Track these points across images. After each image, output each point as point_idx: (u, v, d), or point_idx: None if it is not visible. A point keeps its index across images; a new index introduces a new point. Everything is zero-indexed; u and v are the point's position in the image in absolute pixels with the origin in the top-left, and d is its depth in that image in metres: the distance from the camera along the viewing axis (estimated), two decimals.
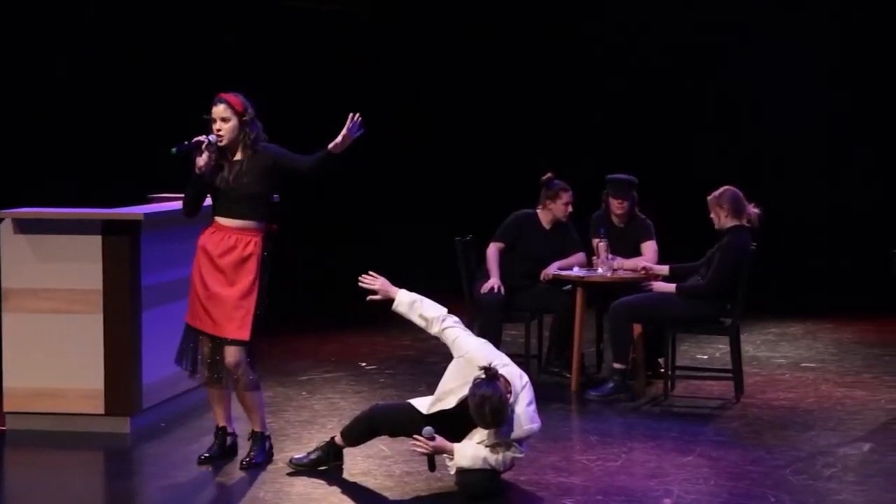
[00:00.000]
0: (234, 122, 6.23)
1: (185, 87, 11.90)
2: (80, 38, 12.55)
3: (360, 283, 6.26)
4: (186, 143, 6.19)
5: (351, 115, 6.17)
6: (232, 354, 6.24)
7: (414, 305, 6.17)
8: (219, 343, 6.29)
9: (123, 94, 12.63)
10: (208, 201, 6.42)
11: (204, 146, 6.19)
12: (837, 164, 13.14)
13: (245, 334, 6.22)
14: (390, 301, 6.22)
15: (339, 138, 6.15)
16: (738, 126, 13.30)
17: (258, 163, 6.26)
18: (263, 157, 6.27)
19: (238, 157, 6.29)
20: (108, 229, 6.92)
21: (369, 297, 6.27)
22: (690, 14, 13.23)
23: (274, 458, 6.47)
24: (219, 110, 6.24)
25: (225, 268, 6.24)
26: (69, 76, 12.55)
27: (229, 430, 6.56)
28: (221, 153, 6.28)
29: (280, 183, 6.40)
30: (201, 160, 6.20)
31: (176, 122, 7.68)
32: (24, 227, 6.97)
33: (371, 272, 6.29)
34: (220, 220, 6.31)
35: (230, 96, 6.27)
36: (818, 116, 13.06)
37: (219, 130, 6.22)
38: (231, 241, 6.25)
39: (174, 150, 6.16)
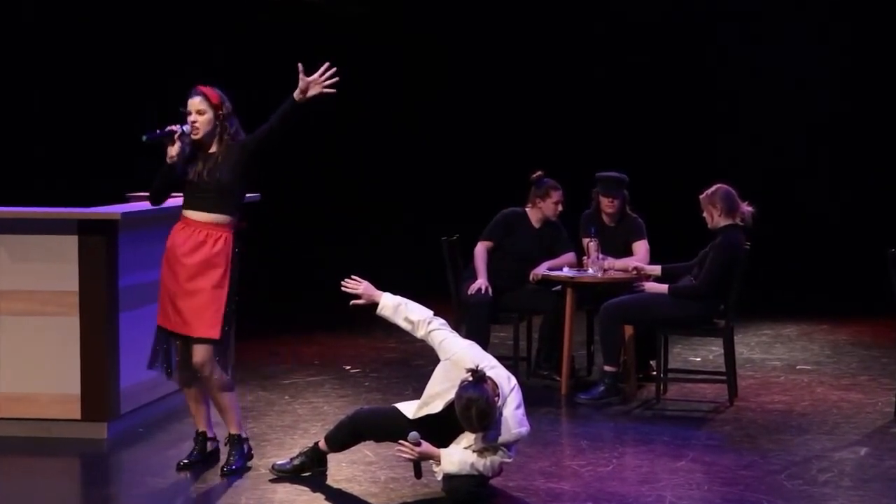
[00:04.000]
0: (209, 115, 6.13)
1: (165, 86, 11.76)
2: (58, 36, 12.43)
3: (342, 288, 6.13)
4: (158, 131, 6.11)
5: (325, 66, 6.04)
6: (199, 353, 6.13)
7: (399, 309, 6.08)
8: (187, 342, 6.17)
9: (101, 93, 12.51)
10: (179, 200, 6.29)
11: (177, 136, 6.10)
12: (835, 162, 13.05)
13: (216, 332, 6.12)
14: (374, 305, 6.13)
15: (301, 84, 6.00)
16: (733, 123, 13.21)
17: (230, 156, 6.16)
18: (234, 149, 6.17)
19: (213, 150, 6.19)
20: (84, 229, 6.79)
21: (353, 302, 6.18)
22: (682, 9, 13.14)
23: (256, 463, 6.36)
24: (194, 102, 6.15)
25: (194, 264, 6.13)
26: (45, 71, 12.43)
27: (209, 434, 6.45)
28: (196, 146, 6.18)
29: (254, 177, 6.28)
30: (173, 150, 6.12)
31: (155, 121, 7.56)
32: None
33: (353, 276, 6.17)
34: (190, 213, 6.20)
35: (207, 89, 6.18)
36: (815, 115, 12.97)
37: (194, 122, 6.13)
38: (200, 237, 6.15)
39: (144, 137, 6.10)
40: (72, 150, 12.43)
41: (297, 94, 6.05)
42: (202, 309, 6.11)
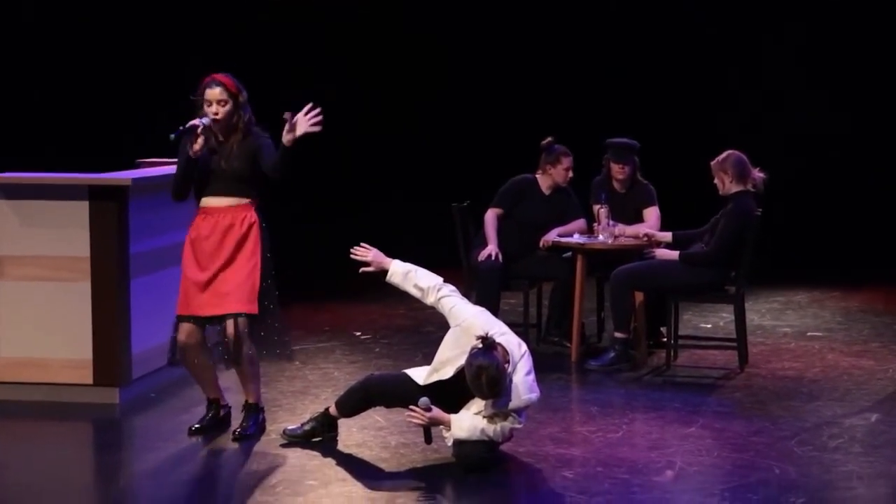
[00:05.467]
0: (230, 105, 6.15)
1: (172, 52, 11.76)
2: (74, 4, 12.40)
3: (352, 256, 6.13)
4: (182, 127, 6.08)
5: (309, 105, 6.00)
6: (239, 327, 6.13)
7: (408, 276, 6.08)
8: (222, 320, 6.16)
9: (112, 59, 12.49)
10: None
11: (199, 130, 6.07)
12: (847, 127, 12.97)
13: (254, 307, 6.14)
14: (384, 272, 6.12)
15: (287, 126, 5.97)
16: (744, 89, 13.12)
17: (248, 147, 6.17)
18: (252, 142, 6.18)
19: (229, 138, 6.19)
20: (95, 195, 6.79)
21: (362, 269, 6.17)
22: None
23: (267, 429, 6.38)
24: (215, 93, 6.13)
25: (228, 249, 6.14)
26: (56, 39, 12.41)
27: (222, 402, 6.47)
28: (213, 135, 6.17)
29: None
30: (197, 144, 6.11)
31: (164, 87, 7.56)
32: (8, 192, 6.84)
33: (363, 244, 6.16)
34: (211, 201, 6.21)
35: (224, 78, 6.17)
36: (829, 79, 12.88)
37: (216, 114, 6.12)
38: (226, 222, 6.17)
39: (172, 136, 6.06)
40: (84, 116, 12.41)
41: (285, 138, 5.99)
42: (241, 286, 6.12)
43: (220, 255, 6.14)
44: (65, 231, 6.79)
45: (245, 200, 6.20)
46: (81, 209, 6.77)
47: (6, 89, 12.16)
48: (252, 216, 6.19)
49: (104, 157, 8.93)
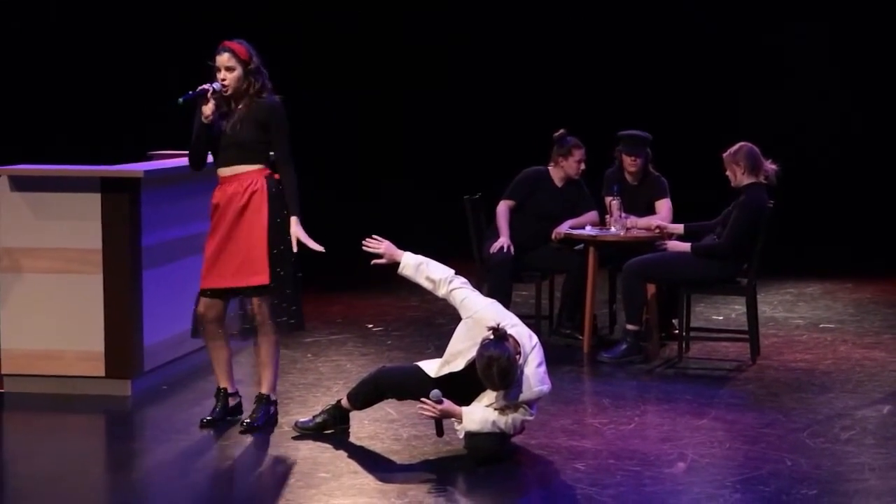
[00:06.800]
0: (238, 71, 6.12)
1: (187, 41, 11.69)
2: None
3: (363, 248, 6.13)
4: (192, 92, 6.09)
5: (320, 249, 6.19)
6: (255, 302, 6.14)
7: (420, 268, 6.07)
8: (243, 293, 6.18)
9: (123, 49, 12.49)
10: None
11: (209, 94, 6.08)
12: (859, 119, 12.92)
13: (265, 278, 6.11)
14: (396, 264, 6.12)
15: (294, 238, 6.17)
16: (756, 79, 13.08)
17: (255, 112, 6.15)
18: (262, 108, 6.15)
19: (240, 105, 6.18)
20: (107, 187, 6.80)
21: (374, 261, 6.17)
22: None
23: (279, 421, 6.38)
24: (223, 59, 6.12)
25: (233, 216, 6.14)
26: (67, 30, 12.42)
27: (231, 390, 6.45)
28: (225, 102, 6.16)
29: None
30: (208, 108, 6.11)
31: (176, 76, 7.56)
32: (20, 184, 6.85)
33: (375, 236, 6.16)
34: (222, 170, 6.22)
35: (235, 45, 6.15)
36: (840, 68, 12.83)
37: (223, 80, 6.10)
38: (232, 188, 6.16)
39: (180, 100, 6.07)
40: (95, 107, 12.43)
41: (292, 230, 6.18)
42: (249, 257, 6.11)
43: (222, 225, 6.15)
44: (77, 223, 6.80)
45: (253, 167, 6.16)
46: (93, 201, 6.78)
47: (17, 79, 12.17)
48: (257, 183, 6.13)
49: (115, 148, 8.94)
